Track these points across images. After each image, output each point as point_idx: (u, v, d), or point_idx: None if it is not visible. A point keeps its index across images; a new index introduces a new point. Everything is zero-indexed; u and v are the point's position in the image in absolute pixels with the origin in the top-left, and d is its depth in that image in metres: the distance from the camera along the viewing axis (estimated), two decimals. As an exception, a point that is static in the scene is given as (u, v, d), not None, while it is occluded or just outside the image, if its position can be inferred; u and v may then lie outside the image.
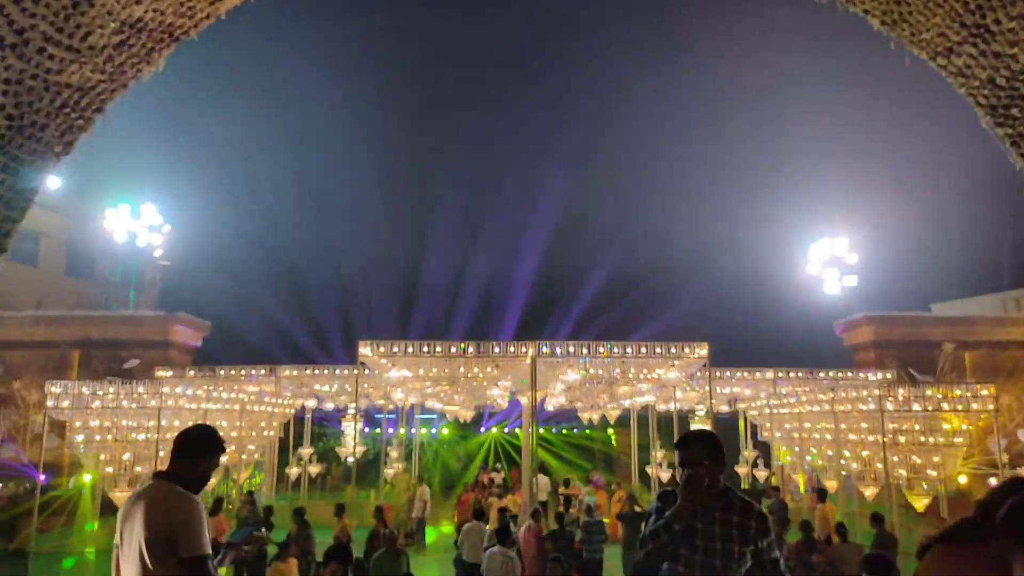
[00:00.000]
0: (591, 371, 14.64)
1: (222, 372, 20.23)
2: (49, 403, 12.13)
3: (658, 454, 21.02)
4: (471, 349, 13.97)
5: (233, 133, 47.34)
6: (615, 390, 16.80)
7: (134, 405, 12.84)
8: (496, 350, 13.98)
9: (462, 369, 14.90)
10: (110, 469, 12.63)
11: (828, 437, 15.60)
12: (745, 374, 20.57)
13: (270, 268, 44.62)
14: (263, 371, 20.28)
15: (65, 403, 12.26)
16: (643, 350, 13.76)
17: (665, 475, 21.00)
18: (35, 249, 32.79)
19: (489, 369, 14.77)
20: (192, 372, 20.53)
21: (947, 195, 38.07)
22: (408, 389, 16.97)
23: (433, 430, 36.89)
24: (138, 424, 13.19)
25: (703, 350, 13.79)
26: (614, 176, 51.52)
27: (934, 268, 40.58)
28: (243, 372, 20.25)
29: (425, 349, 13.90)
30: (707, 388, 18.39)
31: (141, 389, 12.65)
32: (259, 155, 49.16)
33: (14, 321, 22.86)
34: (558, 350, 13.85)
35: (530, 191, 53.08)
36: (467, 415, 24.51)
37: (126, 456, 12.69)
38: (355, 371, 14.32)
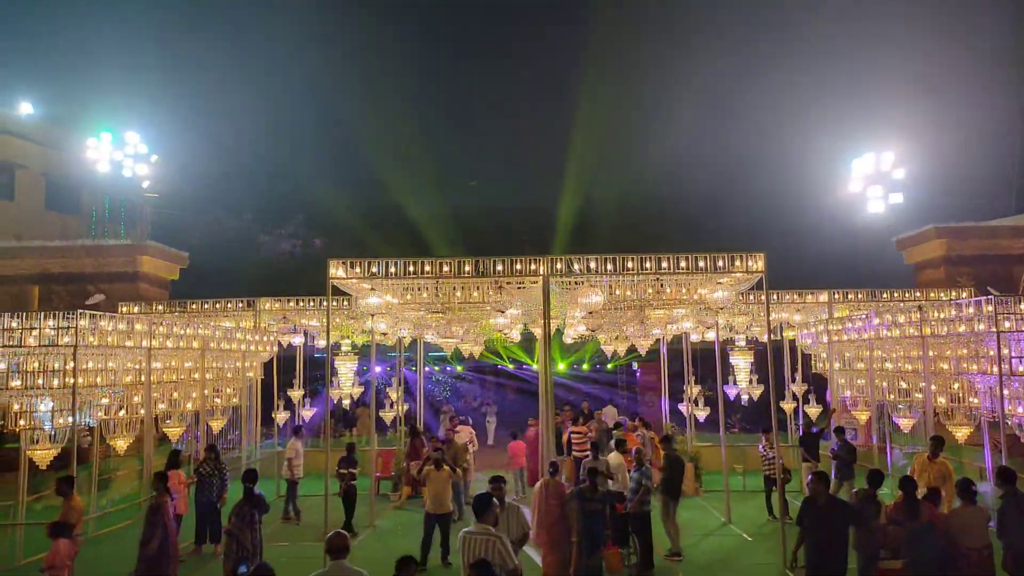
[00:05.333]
0: (617, 292, 11.83)
1: (194, 306, 17.84)
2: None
3: (693, 390, 18.37)
4: (468, 268, 11.20)
5: (223, 55, 44.03)
6: (647, 315, 13.98)
7: (56, 343, 10.36)
8: (499, 268, 11.19)
9: (459, 294, 12.18)
10: (23, 422, 10.21)
11: (908, 367, 12.80)
12: (795, 297, 17.87)
13: (267, 199, 41.92)
14: (241, 304, 17.90)
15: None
16: (683, 264, 10.88)
17: (702, 413, 18.42)
18: (11, 181, 30.16)
19: (492, 293, 12.03)
20: (160, 307, 18.15)
21: (1001, 105, 34.24)
22: (395, 320, 14.35)
23: (448, 367, 34.52)
24: (70, 367, 10.70)
25: (758, 263, 10.89)
26: (646, 89, 47.58)
27: (989, 183, 36.92)
28: (218, 305, 17.85)
29: (412, 268, 11.16)
30: (757, 313, 15.66)
31: (52, 323, 10.08)
32: (252, 79, 45.88)
33: (-36, 256, 20.45)
34: (576, 266, 11.02)
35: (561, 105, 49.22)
36: (475, 350, 21.89)
37: (43, 407, 10.24)
38: (325, 300, 11.52)
